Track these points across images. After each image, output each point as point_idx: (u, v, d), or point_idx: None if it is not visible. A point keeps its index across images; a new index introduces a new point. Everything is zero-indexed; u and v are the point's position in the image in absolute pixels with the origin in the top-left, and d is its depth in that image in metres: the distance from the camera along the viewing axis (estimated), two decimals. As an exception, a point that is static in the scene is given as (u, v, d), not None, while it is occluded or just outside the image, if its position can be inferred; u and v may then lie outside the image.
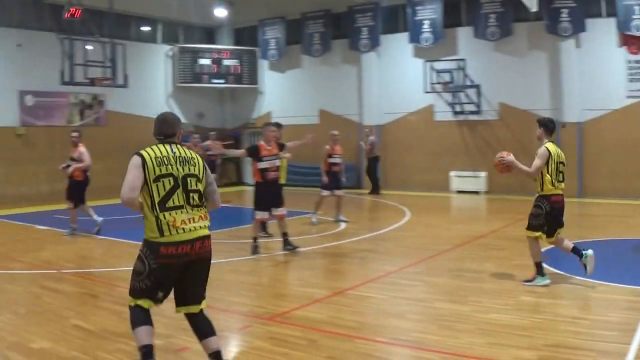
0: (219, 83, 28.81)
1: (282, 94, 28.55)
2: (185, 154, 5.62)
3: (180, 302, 5.62)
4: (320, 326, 7.22)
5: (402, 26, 24.97)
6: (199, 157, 5.72)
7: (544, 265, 9.19)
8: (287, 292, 9.49)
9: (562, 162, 9.11)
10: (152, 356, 5.40)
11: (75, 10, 18.07)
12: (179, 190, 5.45)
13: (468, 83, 22.86)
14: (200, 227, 5.49)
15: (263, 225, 13.32)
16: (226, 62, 28.65)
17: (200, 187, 5.60)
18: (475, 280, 9.46)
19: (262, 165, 11.83)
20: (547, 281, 8.95)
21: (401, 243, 12.34)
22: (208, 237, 5.57)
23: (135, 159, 5.44)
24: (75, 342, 6.84)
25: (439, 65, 23.35)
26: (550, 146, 9.08)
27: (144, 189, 5.41)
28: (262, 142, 11.98)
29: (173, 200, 5.42)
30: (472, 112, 23.01)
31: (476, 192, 22.39)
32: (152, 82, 27.46)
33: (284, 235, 12.21)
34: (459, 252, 11.85)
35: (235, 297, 8.95)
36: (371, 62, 25.41)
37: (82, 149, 14.65)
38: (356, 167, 25.68)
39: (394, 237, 13.36)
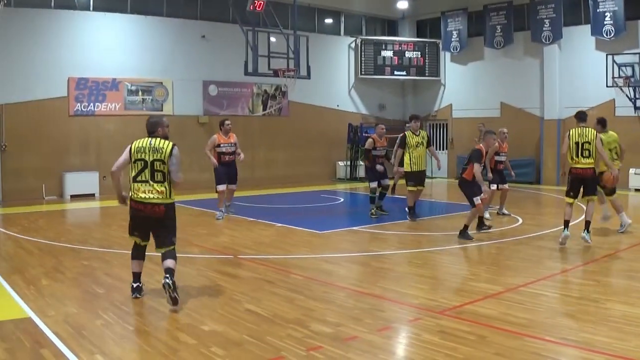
0: (400, 75, 29.20)
1: (463, 86, 28.62)
2: (158, 145, 8.11)
3: (157, 246, 8.28)
4: (491, 322, 7.29)
5: (584, 18, 24.32)
6: (167, 147, 8.11)
7: None
8: (460, 286, 9.58)
9: (586, 142, 11.68)
10: (139, 279, 8.46)
11: (259, 3, 18.73)
12: (147, 170, 8.06)
13: (649, 78, 21.79)
14: (154, 197, 8.05)
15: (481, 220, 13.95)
16: (408, 54, 29.02)
17: (164, 168, 8.07)
18: (649, 282, 9.34)
19: (479, 169, 12.78)
20: (565, 233, 11.88)
21: (577, 241, 12.15)
22: (161, 204, 8.09)
23: (128, 146, 8.19)
24: (246, 326, 7.18)
25: (620, 59, 22.45)
26: (572, 130, 11.97)
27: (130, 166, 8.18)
28: (481, 145, 13.00)
29: (141, 176, 8.09)
30: (652, 109, 21.96)
31: (655, 191, 21.63)
32: (334, 74, 28.25)
33: (480, 218, 13.53)
34: (635, 252, 11.63)
35: (407, 289, 9.13)
36: (553, 54, 24.96)
37: (234, 135, 15.85)
38: (534, 162, 25.41)
39: (571, 235, 13.28)
